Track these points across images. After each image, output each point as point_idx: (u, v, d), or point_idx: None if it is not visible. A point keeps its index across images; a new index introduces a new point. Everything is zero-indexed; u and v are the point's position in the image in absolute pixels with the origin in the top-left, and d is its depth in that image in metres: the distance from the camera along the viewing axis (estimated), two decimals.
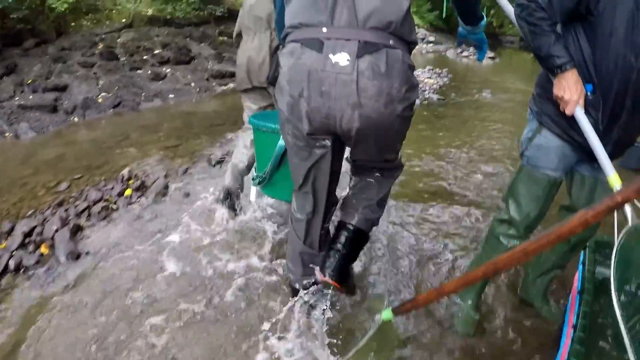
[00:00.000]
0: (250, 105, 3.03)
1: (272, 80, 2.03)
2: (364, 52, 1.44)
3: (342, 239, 1.88)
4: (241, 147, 3.02)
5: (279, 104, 1.63)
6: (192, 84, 7.88)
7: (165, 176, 3.65)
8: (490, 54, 18.66)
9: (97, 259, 2.55)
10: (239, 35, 3.00)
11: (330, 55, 1.45)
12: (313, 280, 1.89)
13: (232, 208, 3.01)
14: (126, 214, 3.06)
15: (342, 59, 1.44)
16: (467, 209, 3.15)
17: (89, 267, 2.48)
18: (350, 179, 1.96)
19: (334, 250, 1.86)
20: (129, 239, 2.74)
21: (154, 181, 3.48)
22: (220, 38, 10.56)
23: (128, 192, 3.33)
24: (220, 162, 4.10)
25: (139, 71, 7.84)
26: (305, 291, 1.91)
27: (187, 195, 3.32)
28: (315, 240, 1.91)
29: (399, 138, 1.73)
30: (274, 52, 2.79)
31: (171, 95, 7.27)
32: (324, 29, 1.48)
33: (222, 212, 2.98)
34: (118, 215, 3.05)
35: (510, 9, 1.80)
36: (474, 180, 3.74)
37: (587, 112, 1.58)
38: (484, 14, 1.99)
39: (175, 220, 2.92)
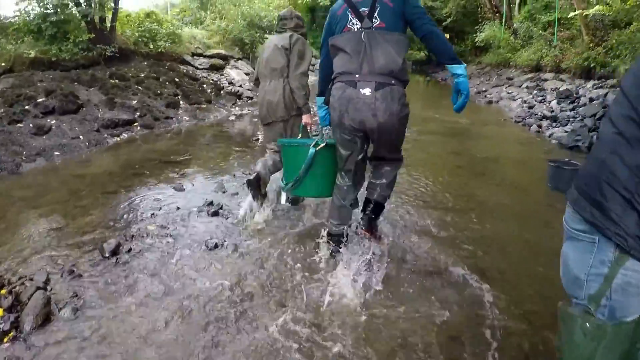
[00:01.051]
0: (267, 135, 4.12)
1: (326, 101, 3.00)
2: (379, 88, 2.64)
3: (369, 208, 3.22)
4: (269, 158, 4.07)
5: (332, 116, 2.92)
6: (81, 137, 6.93)
7: (46, 282, 2.95)
8: None
9: None
10: (257, 80, 4.10)
11: (361, 90, 2.67)
12: (343, 228, 3.21)
13: (256, 196, 3.86)
14: None
15: (367, 91, 2.66)
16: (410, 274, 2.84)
17: None
18: (370, 172, 3.29)
19: (365, 214, 3.25)
20: None
21: (32, 294, 2.75)
22: (112, 81, 9.54)
23: None
24: (115, 252, 3.34)
25: (19, 125, 6.71)
26: (335, 234, 3.21)
27: (75, 313, 2.64)
28: (350, 199, 3.19)
29: (400, 137, 3.00)
30: (288, 94, 3.81)
31: (57, 153, 6.29)
32: (357, 75, 2.70)
33: (248, 201, 4.00)
34: None
35: None
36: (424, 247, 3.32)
37: None
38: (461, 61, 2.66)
39: None
